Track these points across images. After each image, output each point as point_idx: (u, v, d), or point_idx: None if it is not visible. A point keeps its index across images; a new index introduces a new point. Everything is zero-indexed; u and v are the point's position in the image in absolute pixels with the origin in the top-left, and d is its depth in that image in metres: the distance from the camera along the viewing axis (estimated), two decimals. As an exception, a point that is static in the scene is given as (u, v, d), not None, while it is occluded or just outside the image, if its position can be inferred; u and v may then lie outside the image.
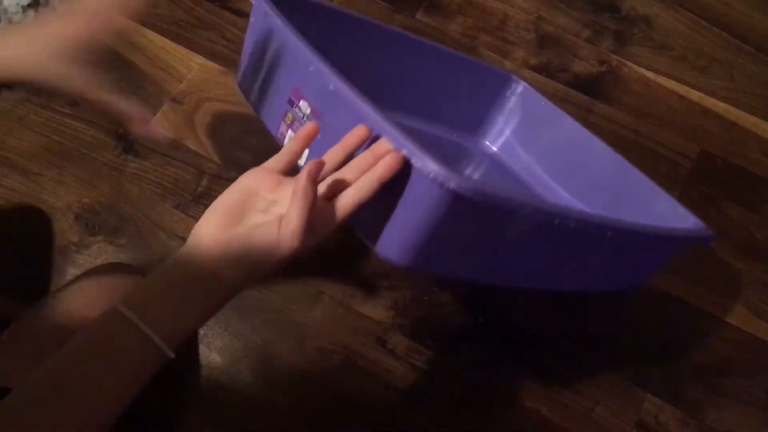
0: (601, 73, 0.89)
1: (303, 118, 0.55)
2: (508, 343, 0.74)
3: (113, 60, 0.88)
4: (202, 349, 0.73)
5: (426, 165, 0.42)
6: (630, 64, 0.90)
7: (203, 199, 0.80)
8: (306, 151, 0.52)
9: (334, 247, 0.78)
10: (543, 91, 0.88)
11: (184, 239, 0.77)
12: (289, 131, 0.57)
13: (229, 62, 0.89)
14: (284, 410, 0.71)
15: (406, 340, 0.74)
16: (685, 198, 0.82)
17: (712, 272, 0.78)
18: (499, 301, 0.76)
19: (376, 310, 0.75)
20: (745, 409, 0.72)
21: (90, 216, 0.79)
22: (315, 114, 0.54)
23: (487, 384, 0.72)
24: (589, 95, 0.88)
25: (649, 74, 0.89)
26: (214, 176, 0.81)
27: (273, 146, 0.82)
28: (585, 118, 0.86)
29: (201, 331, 0.74)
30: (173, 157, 0.82)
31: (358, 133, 0.47)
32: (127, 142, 0.83)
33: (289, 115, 0.56)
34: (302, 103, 0.55)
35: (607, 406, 0.72)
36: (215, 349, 0.73)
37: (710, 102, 0.88)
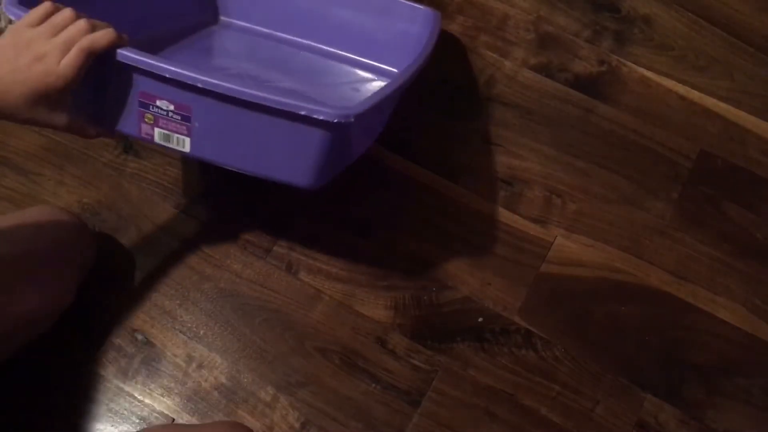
0: (601, 73, 0.89)
1: (168, 113, 0.58)
2: (508, 343, 0.74)
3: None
4: (202, 349, 0.73)
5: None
6: (630, 64, 0.90)
7: (204, 200, 0.80)
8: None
9: (334, 245, 0.78)
10: (543, 91, 0.88)
11: (184, 239, 0.78)
12: (156, 129, 0.59)
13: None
14: (284, 410, 0.71)
15: (406, 340, 0.74)
16: (685, 198, 0.82)
17: (712, 272, 0.78)
18: (498, 302, 0.76)
19: (376, 310, 0.75)
20: (745, 409, 0.72)
21: (90, 216, 0.79)
22: (181, 107, 0.57)
23: (486, 383, 0.72)
24: (589, 95, 0.88)
25: (649, 74, 0.89)
26: (214, 176, 0.81)
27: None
28: (585, 118, 0.86)
29: (201, 331, 0.74)
30: (173, 157, 0.82)
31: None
32: (127, 142, 0.83)
33: (149, 116, 0.59)
34: (160, 102, 0.57)
35: (607, 406, 0.72)
36: (215, 349, 0.73)
37: (710, 102, 0.88)
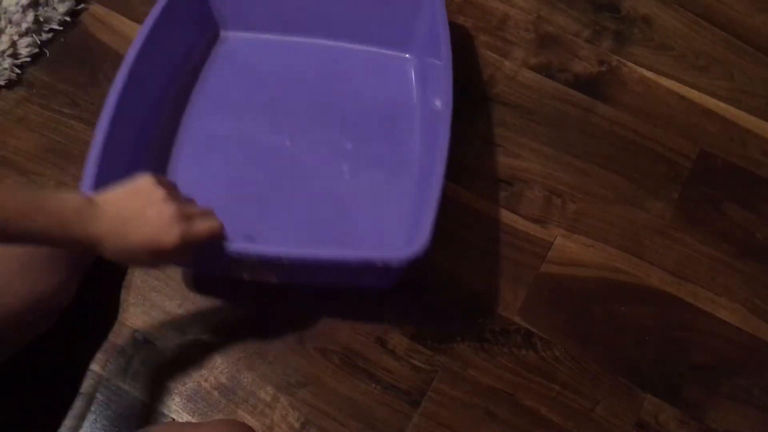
0: (601, 73, 0.89)
1: (256, 267, 0.68)
2: (508, 343, 0.74)
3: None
4: (202, 350, 0.73)
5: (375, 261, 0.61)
6: (630, 64, 0.90)
7: (203, 199, 0.80)
8: None
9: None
10: (543, 91, 0.88)
11: (184, 239, 0.78)
12: (245, 273, 0.71)
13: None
14: (284, 410, 0.71)
15: (406, 340, 0.74)
16: (685, 198, 0.82)
17: (712, 272, 0.78)
18: (498, 302, 0.76)
19: (376, 310, 0.75)
20: (745, 409, 0.72)
21: (90, 216, 0.79)
22: (266, 263, 0.66)
23: (486, 383, 0.72)
24: (589, 95, 0.88)
25: (649, 74, 0.90)
26: (214, 176, 0.81)
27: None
28: (585, 118, 0.86)
29: (201, 332, 0.74)
30: (173, 157, 0.82)
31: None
32: (127, 142, 0.83)
33: (238, 268, 0.69)
34: (247, 260, 0.64)
35: (607, 406, 0.72)
36: (215, 348, 0.73)
37: (710, 102, 0.88)
